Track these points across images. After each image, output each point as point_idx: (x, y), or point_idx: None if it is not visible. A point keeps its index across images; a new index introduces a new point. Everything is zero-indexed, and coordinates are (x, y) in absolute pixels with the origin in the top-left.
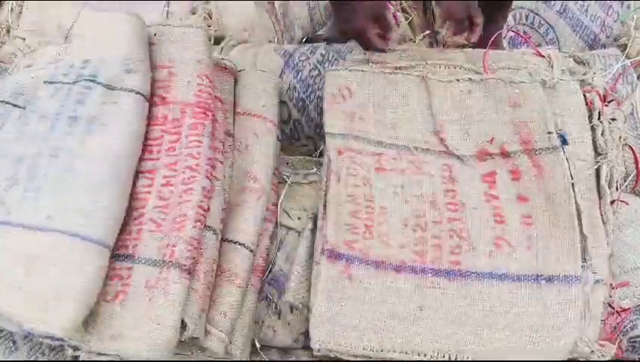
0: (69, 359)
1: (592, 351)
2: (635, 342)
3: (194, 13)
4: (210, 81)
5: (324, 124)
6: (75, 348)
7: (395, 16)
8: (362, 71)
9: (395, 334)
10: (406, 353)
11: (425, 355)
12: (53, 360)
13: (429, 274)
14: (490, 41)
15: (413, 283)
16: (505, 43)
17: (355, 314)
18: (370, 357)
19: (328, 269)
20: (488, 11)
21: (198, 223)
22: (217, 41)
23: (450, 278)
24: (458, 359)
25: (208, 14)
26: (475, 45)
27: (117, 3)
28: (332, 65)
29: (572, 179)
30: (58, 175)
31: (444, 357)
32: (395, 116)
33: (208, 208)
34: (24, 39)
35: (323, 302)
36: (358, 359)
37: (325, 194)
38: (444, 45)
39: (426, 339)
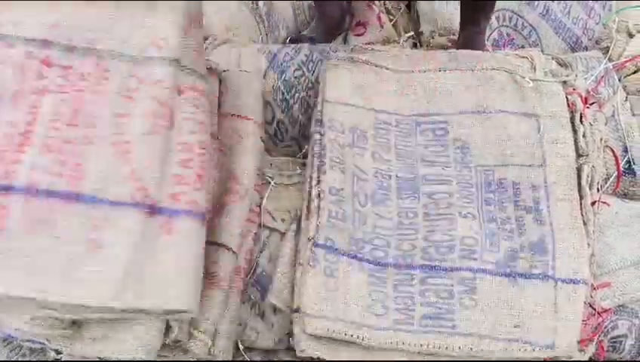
0: (50, 361)
1: (573, 351)
2: (615, 342)
3: None
4: None
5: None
6: (57, 351)
7: (379, 18)
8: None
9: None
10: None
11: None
12: (34, 361)
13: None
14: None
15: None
16: (488, 44)
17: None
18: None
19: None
20: (471, 13)
21: None
22: None
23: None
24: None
25: None
26: (459, 47)
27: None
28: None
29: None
30: None
31: (431, 349)
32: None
33: None
34: None
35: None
36: (343, 358)
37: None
38: (427, 46)
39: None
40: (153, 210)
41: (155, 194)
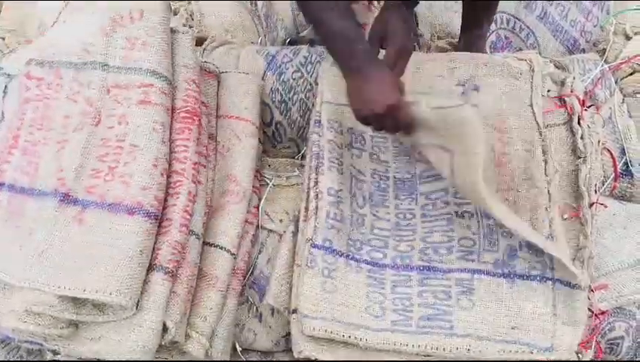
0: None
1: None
2: (613, 343)
3: (175, 14)
4: (198, 86)
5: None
6: (55, 352)
7: None
8: None
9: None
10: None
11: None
12: (31, 361)
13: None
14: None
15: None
16: (486, 47)
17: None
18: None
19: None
20: (474, 15)
21: (184, 228)
22: (199, 41)
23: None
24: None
25: (190, 15)
26: (460, 50)
27: (97, 3)
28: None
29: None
30: None
31: (428, 350)
32: None
33: (192, 212)
34: (4, 39)
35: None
36: (340, 358)
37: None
38: (427, 49)
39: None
40: (68, 199)
41: (72, 185)
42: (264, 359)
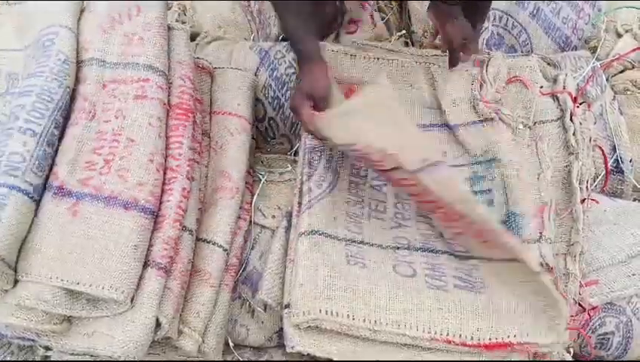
0: (38, 359)
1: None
2: (603, 339)
3: (168, 9)
4: (192, 83)
5: None
6: (47, 348)
7: (371, 16)
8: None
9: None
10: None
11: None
12: (22, 360)
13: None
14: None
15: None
16: (480, 44)
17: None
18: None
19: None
20: (467, 14)
21: (177, 223)
22: (192, 37)
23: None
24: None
25: (183, 11)
26: None
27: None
28: None
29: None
30: None
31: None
32: None
33: (186, 208)
34: None
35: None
36: (333, 353)
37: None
38: (420, 46)
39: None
40: (62, 192)
41: (65, 178)
42: (257, 354)
